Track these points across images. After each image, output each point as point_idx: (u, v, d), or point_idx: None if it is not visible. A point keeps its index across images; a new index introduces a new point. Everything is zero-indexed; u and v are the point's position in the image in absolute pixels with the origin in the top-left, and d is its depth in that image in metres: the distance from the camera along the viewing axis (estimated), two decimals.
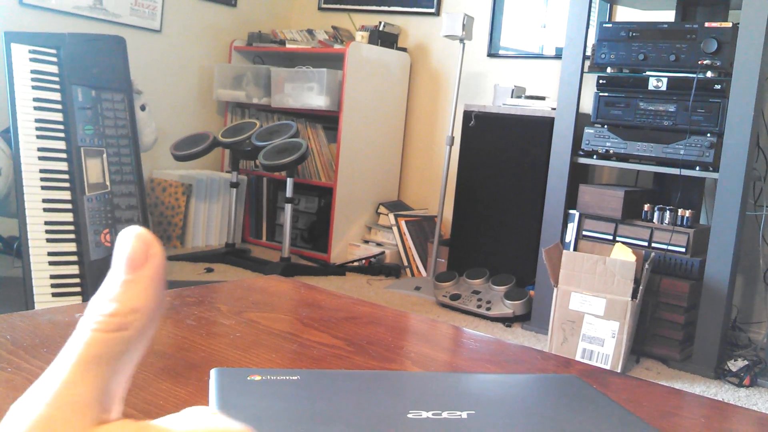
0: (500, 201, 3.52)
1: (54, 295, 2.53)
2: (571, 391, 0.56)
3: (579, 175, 3.30)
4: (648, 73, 3.02)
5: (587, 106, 3.38)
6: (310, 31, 4.51)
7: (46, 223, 2.59)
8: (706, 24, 2.80)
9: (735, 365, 2.76)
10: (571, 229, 3.06)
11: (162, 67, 4.24)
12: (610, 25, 3.05)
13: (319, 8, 4.80)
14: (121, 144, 2.83)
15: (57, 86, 2.77)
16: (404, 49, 4.39)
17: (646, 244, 2.89)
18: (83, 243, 2.63)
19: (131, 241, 0.22)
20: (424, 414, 0.48)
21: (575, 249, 3.02)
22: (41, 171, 2.63)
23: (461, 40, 3.69)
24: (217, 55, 4.54)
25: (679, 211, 2.86)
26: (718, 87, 2.79)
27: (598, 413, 0.52)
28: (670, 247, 2.83)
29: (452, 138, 3.74)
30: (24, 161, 2.60)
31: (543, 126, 3.36)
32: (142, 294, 0.22)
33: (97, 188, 2.72)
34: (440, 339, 0.81)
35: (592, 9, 3.11)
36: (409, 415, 0.47)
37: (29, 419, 0.20)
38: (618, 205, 2.93)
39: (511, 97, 3.63)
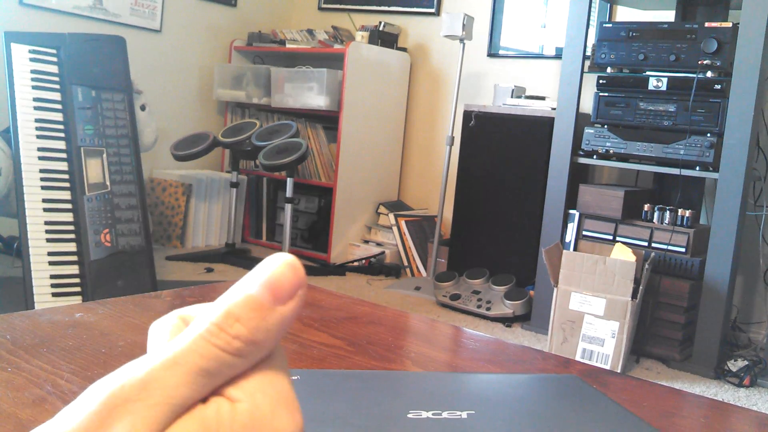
0: (500, 201, 3.52)
1: (54, 295, 2.53)
2: (571, 391, 0.56)
3: (579, 175, 3.30)
4: (648, 73, 3.02)
5: (587, 106, 3.38)
6: (310, 31, 4.51)
7: (46, 223, 2.59)
8: (706, 24, 2.80)
9: (735, 365, 2.76)
10: (571, 229, 3.06)
11: (162, 67, 4.24)
12: (610, 25, 3.05)
13: (319, 8, 4.80)
14: (121, 144, 2.83)
15: (57, 86, 2.77)
16: (404, 49, 4.39)
17: (646, 244, 2.89)
18: (83, 243, 2.63)
19: (287, 271, 0.21)
20: (424, 414, 0.48)
21: (575, 249, 3.01)
22: (41, 171, 2.63)
23: (461, 40, 3.68)
24: (217, 55, 4.54)
25: (679, 211, 2.86)
26: (718, 87, 2.79)
27: (598, 413, 0.52)
28: (670, 247, 2.83)
29: (452, 138, 3.74)
30: (24, 161, 2.60)
31: (543, 126, 3.36)
32: (272, 330, 0.20)
33: (97, 188, 2.72)
34: (440, 339, 0.81)
35: (592, 9, 3.11)
36: (409, 415, 0.47)
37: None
38: (618, 205, 2.93)
39: (511, 97, 3.63)
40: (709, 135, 2.80)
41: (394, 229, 4.07)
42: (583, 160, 3.11)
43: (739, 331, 3.16)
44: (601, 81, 3.07)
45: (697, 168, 2.83)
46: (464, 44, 3.72)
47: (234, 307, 0.20)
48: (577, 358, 2.66)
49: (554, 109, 3.26)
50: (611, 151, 3.02)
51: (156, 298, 0.84)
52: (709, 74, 2.82)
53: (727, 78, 2.77)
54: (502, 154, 3.52)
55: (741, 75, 2.69)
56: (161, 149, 4.01)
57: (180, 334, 0.21)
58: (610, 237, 2.96)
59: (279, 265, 0.21)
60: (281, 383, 0.21)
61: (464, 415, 0.48)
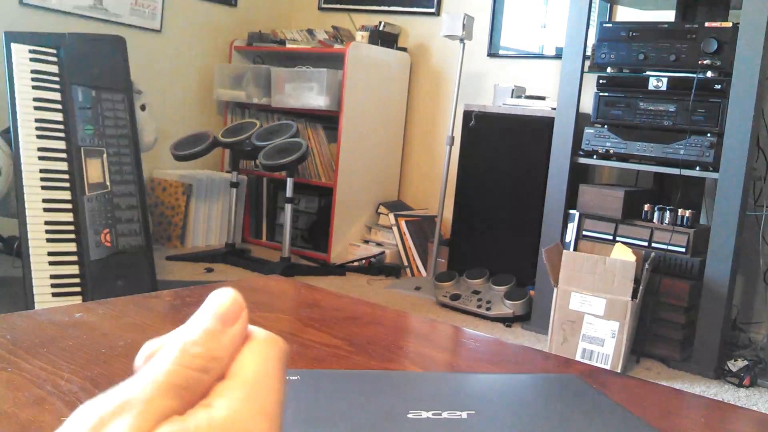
0: (500, 201, 3.52)
1: (54, 295, 2.53)
2: (571, 391, 0.56)
3: (579, 175, 3.30)
4: (648, 73, 3.02)
5: (587, 106, 3.38)
6: (310, 31, 4.51)
7: (46, 223, 2.59)
8: (706, 24, 2.80)
9: (735, 365, 2.76)
10: (571, 229, 3.06)
11: (162, 67, 4.24)
12: (610, 25, 3.05)
13: (319, 8, 4.80)
14: (121, 144, 2.83)
15: (57, 86, 2.77)
16: (404, 49, 4.39)
17: (646, 244, 2.89)
18: (83, 243, 2.63)
19: (227, 301, 0.26)
20: (424, 414, 0.48)
21: (575, 249, 3.01)
22: (41, 171, 2.63)
23: (461, 40, 3.68)
24: (217, 55, 4.54)
25: (679, 211, 2.86)
26: (718, 87, 2.79)
27: (598, 413, 0.52)
28: (670, 247, 2.83)
29: (452, 138, 3.74)
30: (24, 161, 2.60)
31: (543, 126, 3.36)
32: (226, 347, 0.25)
33: (97, 188, 2.72)
34: (440, 339, 0.81)
35: (592, 9, 3.11)
36: (409, 415, 0.47)
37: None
38: (618, 205, 2.93)
39: (511, 97, 3.63)
40: (709, 135, 2.80)
41: (394, 229, 4.07)
42: (583, 160, 3.11)
43: (739, 331, 3.16)
44: (601, 81, 3.07)
45: (697, 168, 2.83)
46: (464, 44, 3.72)
47: (194, 335, 0.24)
48: (577, 358, 2.66)
49: (554, 109, 3.26)
50: (611, 151, 3.02)
51: (156, 298, 0.84)
52: (709, 74, 2.82)
53: (727, 78, 2.77)
54: (502, 154, 3.52)
55: (741, 75, 2.69)
56: (161, 149, 4.01)
57: (152, 358, 0.24)
58: (610, 237, 2.96)
59: (222, 298, 0.26)
60: (264, 396, 0.24)
61: (464, 415, 0.48)
